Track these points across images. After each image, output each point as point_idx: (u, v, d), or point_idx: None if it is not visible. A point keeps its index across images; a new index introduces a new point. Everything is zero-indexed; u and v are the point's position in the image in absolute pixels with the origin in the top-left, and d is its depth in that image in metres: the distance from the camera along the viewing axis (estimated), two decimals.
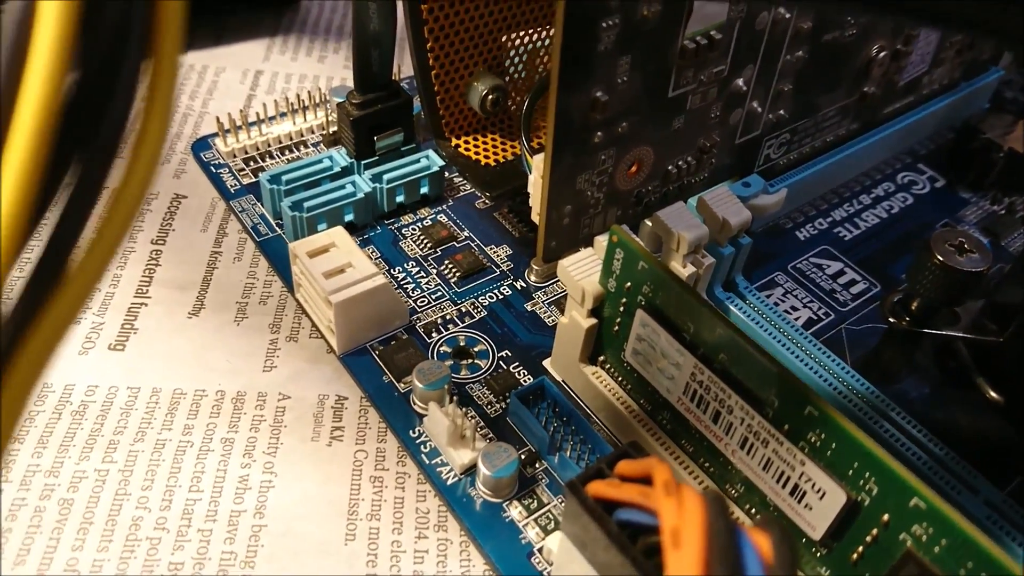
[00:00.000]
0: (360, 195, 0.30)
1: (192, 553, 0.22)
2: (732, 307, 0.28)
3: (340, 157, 0.31)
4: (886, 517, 0.19)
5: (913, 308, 0.27)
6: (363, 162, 0.31)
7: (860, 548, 0.19)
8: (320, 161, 0.31)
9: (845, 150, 0.34)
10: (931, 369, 0.29)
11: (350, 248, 0.27)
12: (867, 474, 0.19)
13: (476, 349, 0.28)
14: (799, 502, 0.21)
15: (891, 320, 0.27)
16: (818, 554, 0.21)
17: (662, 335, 0.23)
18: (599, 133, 0.24)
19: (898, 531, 0.18)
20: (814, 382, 0.26)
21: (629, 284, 0.23)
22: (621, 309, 0.24)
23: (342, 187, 0.30)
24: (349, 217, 0.31)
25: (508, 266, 0.31)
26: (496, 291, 0.30)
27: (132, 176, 0.11)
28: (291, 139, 0.34)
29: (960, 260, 0.25)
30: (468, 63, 0.29)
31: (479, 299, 0.29)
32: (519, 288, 0.30)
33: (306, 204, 0.29)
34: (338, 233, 0.27)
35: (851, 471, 0.19)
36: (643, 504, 0.17)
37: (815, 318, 0.30)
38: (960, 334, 0.27)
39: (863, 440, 0.19)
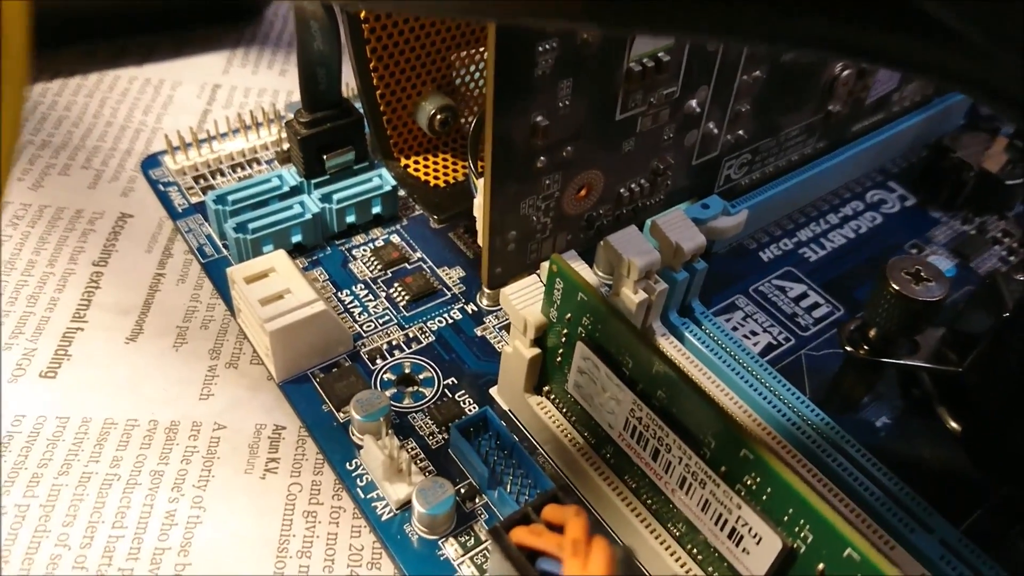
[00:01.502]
0: (308, 216, 0.29)
1: None
2: (687, 333, 0.27)
3: (290, 176, 0.31)
4: (821, 566, 0.18)
5: (871, 336, 0.26)
6: (313, 181, 0.30)
7: None
8: (269, 180, 0.30)
9: (811, 169, 0.33)
10: (894, 398, 0.28)
11: (290, 273, 0.26)
12: (802, 521, 0.18)
13: (421, 376, 0.27)
14: (737, 546, 0.20)
15: (848, 349, 0.27)
16: None
17: (602, 369, 0.22)
18: (542, 158, 0.23)
19: None
20: (768, 413, 0.25)
21: (570, 315, 0.22)
22: (563, 340, 0.23)
23: (290, 207, 0.30)
24: (297, 238, 0.30)
25: (460, 288, 0.30)
26: (446, 315, 0.29)
27: None
28: (244, 156, 0.33)
29: (916, 289, 0.24)
30: (415, 82, 0.28)
31: (428, 324, 0.28)
32: (470, 312, 0.29)
33: (251, 225, 0.29)
34: (279, 257, 0.27)
35: (786, 517, 0.18)
36: (559, 557, 0.16)
37: (775, 343, 0.29)
38: (918, 363, 0.26)
39: (797, 486, 0.18)
